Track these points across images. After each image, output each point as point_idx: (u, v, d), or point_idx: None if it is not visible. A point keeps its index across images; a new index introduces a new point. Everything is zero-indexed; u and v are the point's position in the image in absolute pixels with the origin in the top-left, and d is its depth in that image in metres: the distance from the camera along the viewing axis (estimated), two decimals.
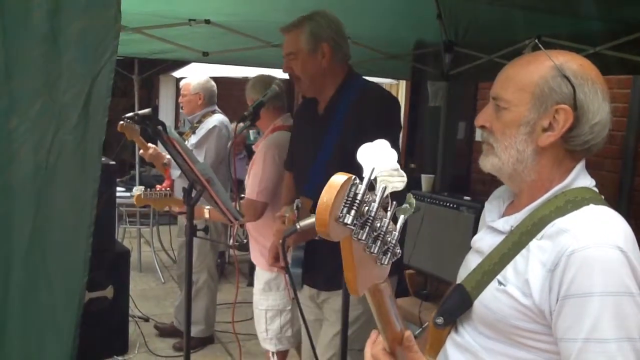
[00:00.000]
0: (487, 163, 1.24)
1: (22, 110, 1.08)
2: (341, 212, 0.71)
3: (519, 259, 1.15)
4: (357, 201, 0.71)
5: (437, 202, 3.39)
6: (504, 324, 1.15)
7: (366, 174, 0.74)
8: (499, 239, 1.23)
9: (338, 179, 0.71)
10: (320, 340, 2.23)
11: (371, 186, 0.75)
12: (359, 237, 0.74)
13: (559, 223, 1.12)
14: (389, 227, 0.79)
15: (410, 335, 0.98)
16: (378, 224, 0.76)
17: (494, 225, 1.26)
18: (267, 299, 2.92)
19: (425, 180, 3.97)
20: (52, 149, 1.09)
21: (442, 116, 4.23)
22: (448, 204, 3.30)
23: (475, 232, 1.39)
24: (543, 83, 1.15)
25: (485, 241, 1.27)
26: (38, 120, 1.09)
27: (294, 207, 2.04)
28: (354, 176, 0.72)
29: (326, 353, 2.19)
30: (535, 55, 1.19)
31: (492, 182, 1.32)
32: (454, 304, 1.25)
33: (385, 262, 0.81)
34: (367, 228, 0.74)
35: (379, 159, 0.76)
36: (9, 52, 1.08)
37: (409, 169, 4.74)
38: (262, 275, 2.94)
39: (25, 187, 1.11)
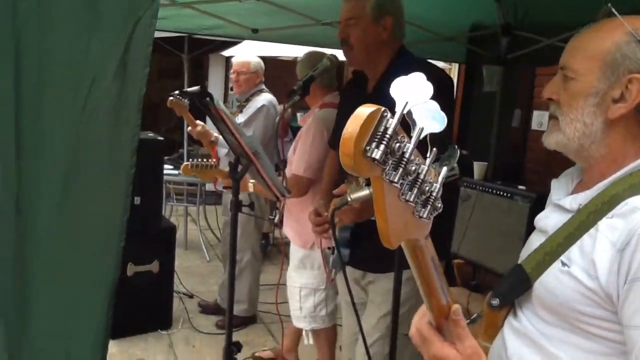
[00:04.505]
0: (552, 140, 1.16)
1: (55, 61, 1.02)
2: (368, 146, 0.62)
3: (586, 238, 1.06)
4: (388, 136, 0.62)
5: (489, 190, 3.27)
6: (567, 309, 1.06)
7: (398, 109, 0.65)
8: (565, 217, 1.13)
9: (364, 110, 0.62)
10: (364, 323, 2.18)
11: (407, 128, 0.66)
12: (391, 178, 0.65)
13: (632, 201, 1.02)
14: (427, 176, 0.69)
15: (458, 308, 0.87)
16: (413, 168, 0.67)
17: (561, 203, 1.17)
18: (301, 277, 2.93)
19: (478, 167, 3.85)
20: (88, 103, 1.04)
21: (497, 102, 4.09)
22: (502, 193, 3.17)
23: (530, 223, 1.30)
24: (615, 50, 1.06)
25: (550, 220, 1.19)
26: (71, 71, 1.03)
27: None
28: (383, 108, 0.63)
29: (371, 336, 2.13)
30: (608, 21, 1.09)
31: (547, 173, 1.24)
32: (511, 285, 1.17)
33: (425, 216, 0.71)
34: (401, 170, 0.65)
35: (413, 93, 0.67)
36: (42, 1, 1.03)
37: (461, 155, 4.60)
38: (297, 252, 2.94)
39: (57, 147, 1.05)
